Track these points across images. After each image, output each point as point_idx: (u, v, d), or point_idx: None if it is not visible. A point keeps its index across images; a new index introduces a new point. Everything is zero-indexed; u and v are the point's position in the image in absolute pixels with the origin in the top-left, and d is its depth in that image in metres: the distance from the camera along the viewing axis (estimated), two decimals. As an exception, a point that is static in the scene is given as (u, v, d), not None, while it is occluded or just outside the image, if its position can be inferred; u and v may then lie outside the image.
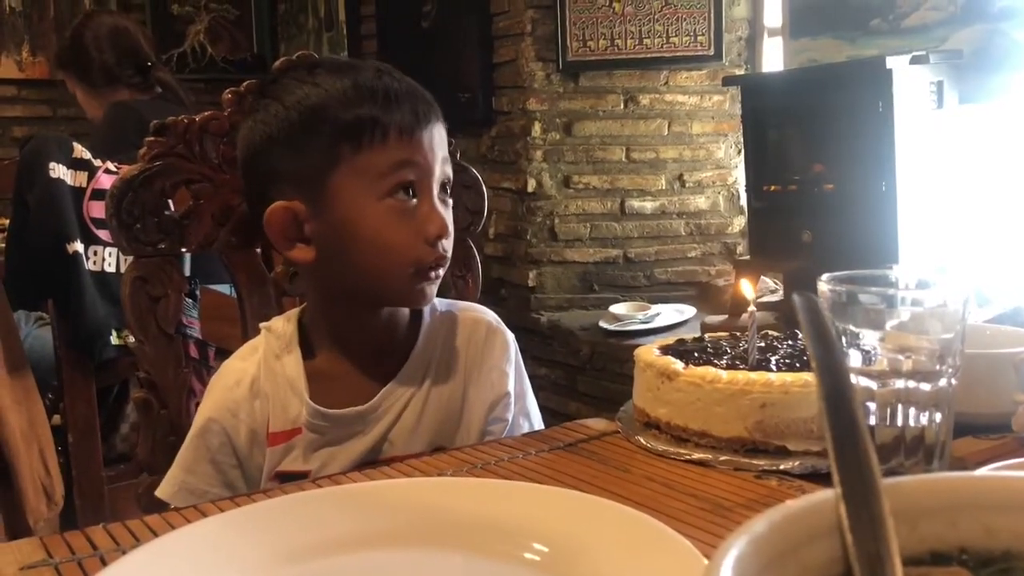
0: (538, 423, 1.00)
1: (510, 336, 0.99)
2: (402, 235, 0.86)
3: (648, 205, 3.00)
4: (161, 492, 0.89)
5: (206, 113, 1.04)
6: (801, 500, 0.36)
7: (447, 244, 0.89)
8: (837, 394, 0.39)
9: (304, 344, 0.92)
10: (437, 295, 1.01)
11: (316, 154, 0.86)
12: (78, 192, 1.72)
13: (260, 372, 0.91)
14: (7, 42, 4.06)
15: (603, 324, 2.74)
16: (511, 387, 0.96)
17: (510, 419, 0.95)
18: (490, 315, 1.00)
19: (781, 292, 2.47)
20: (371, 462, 0.88)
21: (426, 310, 0.96)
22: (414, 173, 0.86)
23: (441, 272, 0.90)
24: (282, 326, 0.94)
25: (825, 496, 0.35)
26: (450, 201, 0.91)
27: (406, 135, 0.86)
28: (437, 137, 0.89)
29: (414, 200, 0.86)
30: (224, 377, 0.92)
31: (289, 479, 0.87)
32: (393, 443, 0.90)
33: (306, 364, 0.91)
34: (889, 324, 0.65)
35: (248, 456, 0.90)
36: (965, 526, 0.35)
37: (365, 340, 0.93)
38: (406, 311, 0.95)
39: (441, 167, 0.89)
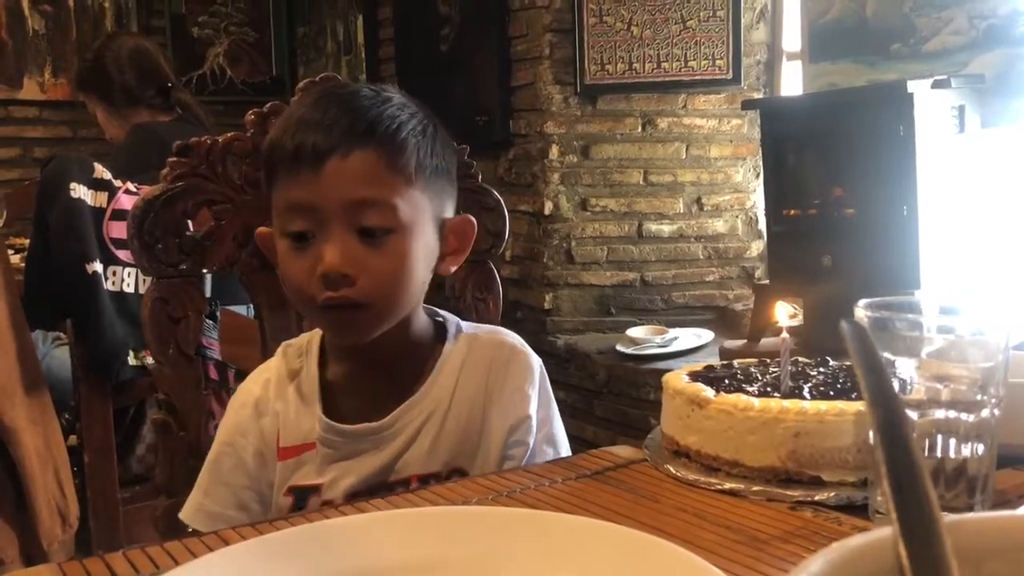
0: (565, 451, 0.96)
1: (535, 360, 0.96)
2: (298, 270, 0.83)
3: (666, 228, 2.99)
4: (182, 514, 0.90)
5: (229, 134, 1.04)
6: (857, 538, 0.34)
7: (348, 283, 0.82)
8: (892, 426, 0.37)
9: (323, 355, 0.92)
10: (460, 316, 1.00)
11: (267, 188, 0.89)
12: (98, 212, 1.73)
13: (269, 392, 0.91)
14: (30, 64, 4.11)
15: (620, 348, 2.72)
16: (533, 410, 0.93)
17: (531, 443, 0.92)
18: (515, 338, 0.98)
19: (801, 317, 2.45)
20: (388, 484, 0.87)
21: (450, 331, 0.95)
22: (303, 218, 0.82)
23: (350, 311, 0.83)
24: (304, 338, 0.94)
25: (883, 535, 0.34)
26: (387, 240, 0.83)
27: (304, 171, 0.82)
28: (348, 167, 0.82)
29: (312, 238, 0.83)
30: (235, 399, 0.93)
31: (302, 493, 0.87)
32: (408, 463, 0.88)
33: (323, 375, 0.91)
34: (925, 352, 0.64)
35: (258, 475, 0.89)
36: (1032, 568, 0.34)
37: (374, 355, 0.91)
38: (418, 330, 0.94)
39: (350, 200, 0.82)
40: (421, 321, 0.94)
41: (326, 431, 0.87)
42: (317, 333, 0.94)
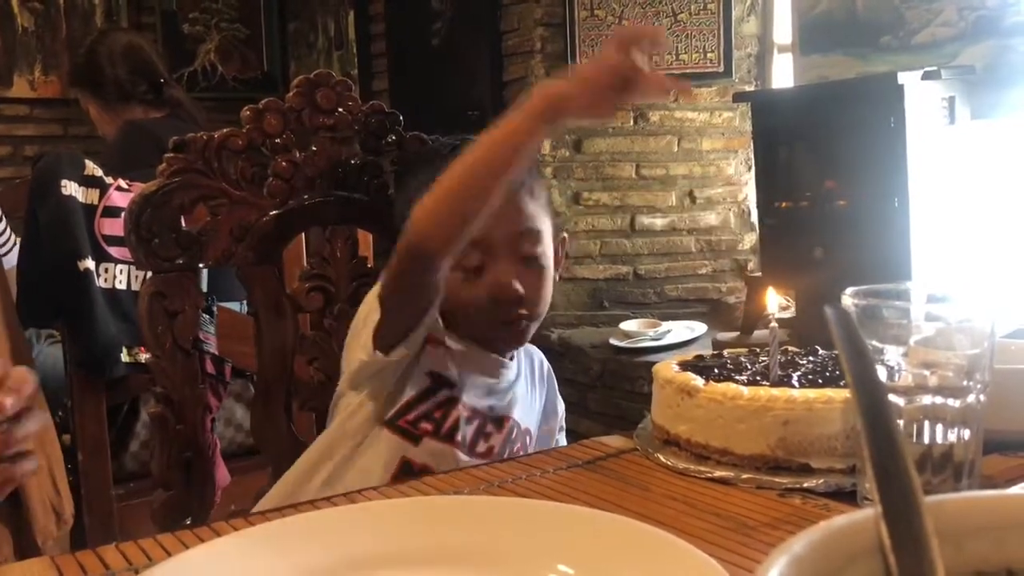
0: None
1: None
2: (472, 295, 0.97)
3: (658, 222, 2.99)
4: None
5: (225, 130, 1.04)
6: (841, 519, 0.35)
7: (522, 304, 0.98)
8: (875, 410, 0.37)
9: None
10: None
11: None
12: (89, 209, 1.72)
13: None
14: (20, 61, 4.09)
15: (613, 341, 2.73)
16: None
17: (564, 428, 1.17)
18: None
19: (793, 309, 2.46)
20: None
21: None
22: (476, 256, 0.96)
23: (524, 324, 1.00)
24: None
25: (866, 515, 0.34)
26: (541, 260, 1.00)
27: None
28: (511, 207, 0.95)
29: (483, 269, 0.97)
30: None
31: (438, 380, 0.97)
32: (510, 401, 1.02)
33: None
34: (913, 339, 0.64)
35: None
36: (1012, 546, 0.34)
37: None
38: None
39: (520, 235, 0.97)
40: None
41: (450, 338, 1.00)
42: None
